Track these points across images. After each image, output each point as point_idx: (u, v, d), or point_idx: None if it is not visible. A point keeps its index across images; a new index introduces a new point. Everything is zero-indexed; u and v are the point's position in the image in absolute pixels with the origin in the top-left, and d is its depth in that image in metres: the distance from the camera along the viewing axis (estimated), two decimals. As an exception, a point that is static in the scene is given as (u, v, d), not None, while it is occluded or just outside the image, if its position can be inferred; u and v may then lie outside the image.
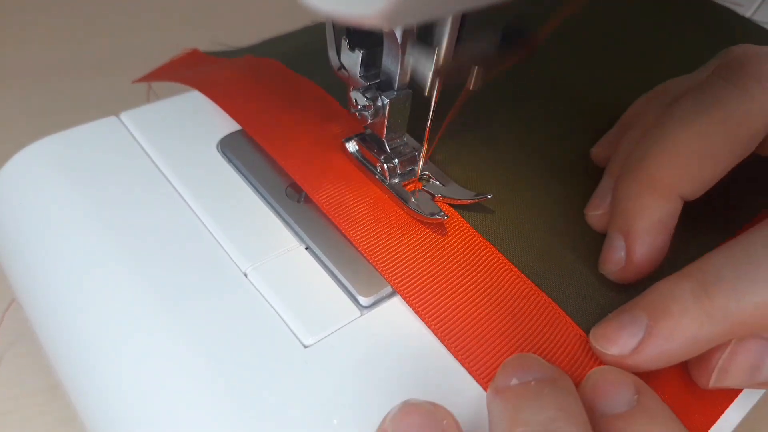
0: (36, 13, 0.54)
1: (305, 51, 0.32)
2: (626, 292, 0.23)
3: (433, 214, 0.24)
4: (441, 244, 0.24)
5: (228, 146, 0.27)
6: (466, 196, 0.25)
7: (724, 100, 0.22)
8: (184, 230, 0.23)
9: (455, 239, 0.24)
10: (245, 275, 0.22)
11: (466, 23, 0.21)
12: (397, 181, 0.25)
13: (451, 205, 0.25)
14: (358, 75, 0.24)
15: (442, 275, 0.22)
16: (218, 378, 0.19)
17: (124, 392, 0.20)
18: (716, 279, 0.19)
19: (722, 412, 0.21)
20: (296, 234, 0.24)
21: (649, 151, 0.23)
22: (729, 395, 0.22)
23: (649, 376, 0.20)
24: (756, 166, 0.25)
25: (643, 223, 0.23)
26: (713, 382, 0.21)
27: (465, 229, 0.24)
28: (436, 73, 0.21)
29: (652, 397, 0.19)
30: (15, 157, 0.26)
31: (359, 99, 0.24)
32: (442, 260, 0.23)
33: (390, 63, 0.23)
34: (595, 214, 0.26)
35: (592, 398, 0.19)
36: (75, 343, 0.22)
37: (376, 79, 0.24)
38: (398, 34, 0.22)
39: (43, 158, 0.26)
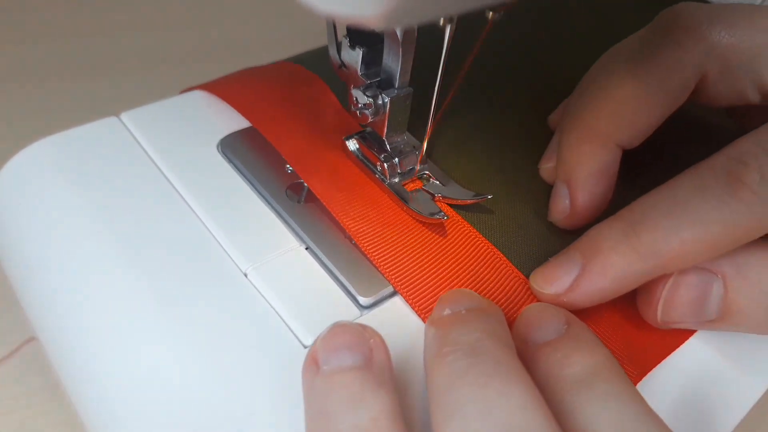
0: (36, 13, 0.54)
1: None
2: None
3: (433, 215, 0.24)
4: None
5: (228, 146, 0.27)
6: (466, 196, 0.25)
7: (656, 51, 0.23)
8: (184, 230, 0.23)
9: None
10: (245, 275, 0.22)
11: None
12: (397, 180, 0.25)
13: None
14: (359, 73, 0.24)
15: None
16: (218, 379, 0.19)
17: (124, 392, 0.20)
18: (644, 218, 0.20)
19: (669, 353, 0.22)
20: (296, 234, 0.24)
21: (587, 102, 0.24)
22: (678, 336, 0.23)
23: (599, 320, 0.22)
24: (708, 124, 0.27)
25: (582, 172, 0.24)
26: (660, 316, 0.22)
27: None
28: None
29: (580, 326, 0.20)
30: (15, 157, 0.26)
31: (360, 97, 0.24)
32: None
33: (391, 61, 0.23)
34: (547, 167, 0.27)
35: (524, 331, 0.20)
36: (75, 344, 0.22)
37: (376, 77, 0.24)
38: (398, 34, 0.22)
39: (43, 158, 0.26)
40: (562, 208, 0.25)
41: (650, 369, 0.21)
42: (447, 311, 0.20)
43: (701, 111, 0.26)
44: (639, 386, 0.21)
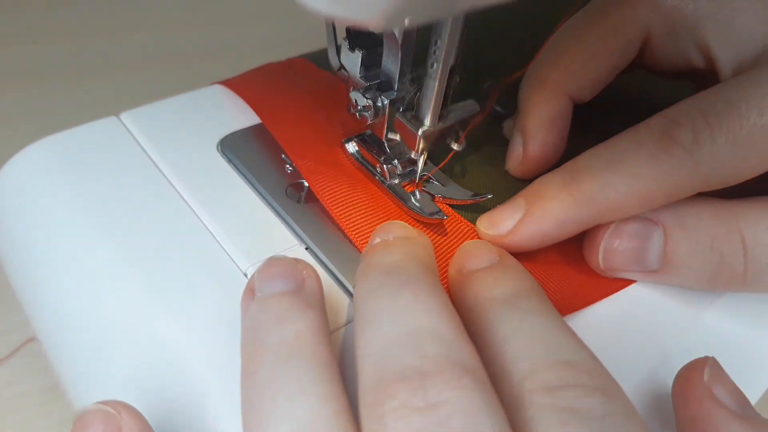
0: (36, 13, 0.54)
1: None
2: None
3: (432, 214, 0.24)
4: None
5: (228, 146, 0.27)
6: (466, 196, 0.25)
7: (606, 10, 0.25)
8: (184, 230, 0.23)
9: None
10: (245, 275, 0.22)
11: (450, 91, 0.23)
12: (397, 181, 0.25)
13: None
14: (358, 75, 0.24)
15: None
16: (230, 381, 0.19)
17: (124, 392, 0.20)
18: (585, 169, 0.22)
19: (598, 299, 0.23)
20: (296, 234, 0.24)
21: (542, 58, 0.26)
22: (616, 283, 0.24)
23: (535, 261, 0.23)
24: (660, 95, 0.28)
25: (534, 119, 0.25)
26: (602, 262, 0.23)
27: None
28: (424, 137, 0.24)
29: (512, 259, 0.21)
30: (15, 157, 0.26)
31: (359, 99, 0.24)
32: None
33: (390, 63, 0.23)
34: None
35: (460, 262, 0.21)
36: (75, 344, 0.22)
37: (376, 79, 0.24)
38: (397, 36, 0.22)
39: (43, 158, 0.26)
40: (515, 155, 0.26)
41: (577, 309, 0.23)
42: (377, 240, 0.21)
43: (656, 84, 0.28)
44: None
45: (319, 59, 0.32)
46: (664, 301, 0.24)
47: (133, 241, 0.23)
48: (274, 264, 0.19)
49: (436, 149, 0.25)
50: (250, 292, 0.19)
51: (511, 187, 0.27)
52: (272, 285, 0.19)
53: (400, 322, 0.17)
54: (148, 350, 0.20)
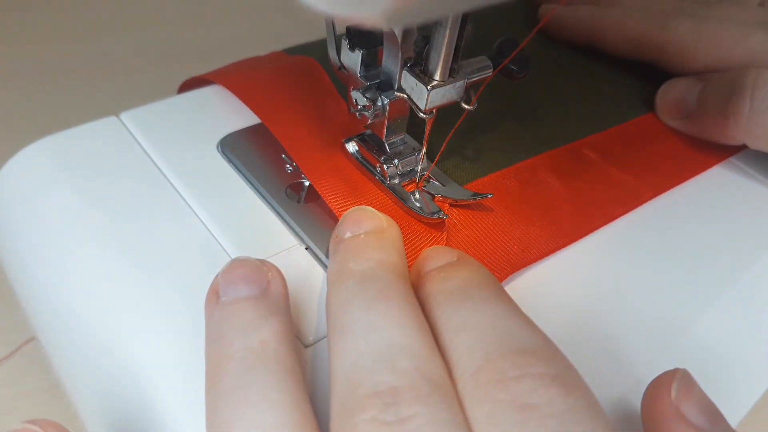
0: (36, 13, 0.54)
1: None
2: None
3: (433, 214, 0.24)
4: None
5: (228, 146, 0.27)
6: (466, 196, 0.25)
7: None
8: (184, 230, 0.23)
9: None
10: (245, 275, 0.22)
11: (462, 42, 0.22)
12: (397, 181, 0.25)
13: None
14: (358, 75, 0.24)
15: None
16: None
17: (125, 391, 0.20)
18: None
19: (527, 265, 0.24)
20: (296, 234, 0.24)
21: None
22: (536, 252, 0.24)
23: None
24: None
25: None
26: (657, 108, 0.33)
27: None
28: (433, 94, 0.22)
29: (469, 257, 0.21)
30: (15, 157, 0.26)
31: (359, 99, 0.24)
32: None
33: (390, 63, 0.23)
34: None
35: (419, 265, 0.21)
36: (75, 343, 0.22)
37: (376, 79, 0.24)
38: (398, 35, 0.22)
39: (43, 158, 0.26)
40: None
41: (511, 273, 0.23)
42: (348, 234, 0.21)
43: None
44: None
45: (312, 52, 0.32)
46: (649, 312, 0.24)
47: (133, 240, 0.23)
48: (238, 266, 0.19)
49: (443, 115, 0.24)
50: (214, 295, 0.19)
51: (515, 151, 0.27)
52: (236, 289, 0.18)
53: (372, 336, 0.17)
54: (147, 350, 0.20)
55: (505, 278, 0.23)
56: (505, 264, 0.24)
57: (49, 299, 0.23)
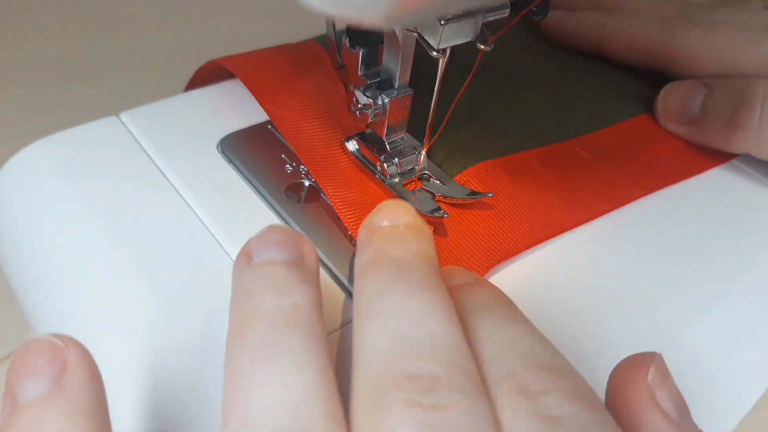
0: (36, 13, 0.54)
1: None
2: None
3: (433, 213, 0.24)
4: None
5: (228, 146, 0.27)
6: (466, 194, 0.25)
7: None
8: (184, 230, 0.23)
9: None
10: (245, 275, 0.22)
11: None
12: (397, 180, 0.25)
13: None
14: (359, 73, 0.24)
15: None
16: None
17: (125, 391, 0.20)
18: None
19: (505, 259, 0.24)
20: (296, 234, 0.24)
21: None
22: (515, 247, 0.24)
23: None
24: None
25: None
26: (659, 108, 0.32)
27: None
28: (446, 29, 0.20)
29: (485, 281, 0.21)
30: (15, 156, 0.26)
31: (360, 97, 0.24)
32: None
33: (390, 62, 0.23)
34: None
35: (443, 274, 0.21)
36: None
37: (376, 77, 0.24)
38: (398, 34, 0.22)
39: (43, 158, 0.26)
40: None
41: (494, 265, 0.23)
42: (386, 222, 0.20)
43: None
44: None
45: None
46: (639, 323, 0.23)
47: (133, 240, 0.23)
48: (275, 231, 0.19)
49: (455, 60, 0.22)
50: (245, 256, 0.19)
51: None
52: (270, 252, 0.18)
53: (413, 322, 0.17)
54: (147, 349, 0.20)
55: (488, 270, 0.23)
56: (489, 256, 0.24)
57: (49, 299, 0.23)
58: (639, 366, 0.18)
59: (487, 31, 0.22)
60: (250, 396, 0.15)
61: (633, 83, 0.34)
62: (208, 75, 0.31)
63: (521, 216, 0.25)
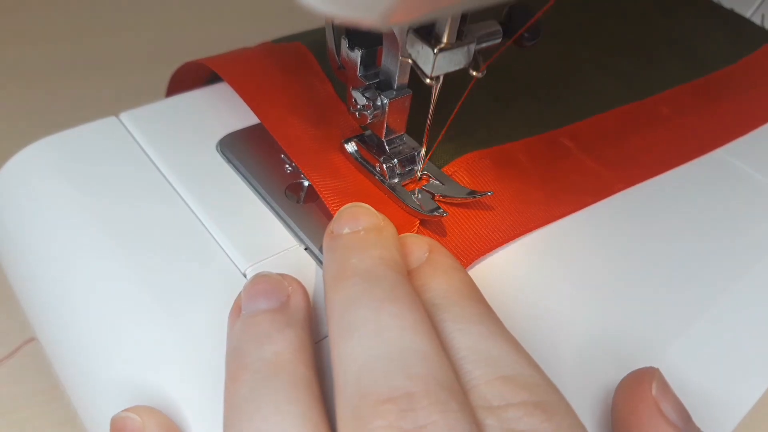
0: (36, 12, 0.54)
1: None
2: None
3: (432, 212, 0.24)
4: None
5: (228, 146, 0.27)
6: (465, 194, 0.25)
7: None
8: (184, 230, 0.23)
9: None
10: (244, 275, 0.22)
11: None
12: (396, 180, 0.25)
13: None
14: (358, 74, 0.24)
15: None
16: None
17: (123, 392, 0.20)
18: None
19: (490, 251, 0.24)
20: (296, 234, 0.24)
21: None
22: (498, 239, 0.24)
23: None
24: None
25: None
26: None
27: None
28: (439, 60, 0.21)
29: (440, 252, 0.21)
30: (15, 157, 0.26)
31: (359, 98, 0.24)
32: None
33: (389, 63, 0.23)
34: None
35: None
36: (74, 344, 0.22)
37: (375, 78, 0.24)
38: (397, 34, 0.22)
39: (43, 158, 0.26)
40: None
41: (477, 258, 0.24)
42: (346, 230, 0.20)
43: None
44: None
45: (314, 45, 0.32)
46: (628, 334, 0.23)
47: (132, 241, 0.23)
48: (260, 281, 0.19)
49: (450, 82, 0.23)
50: (236, 309, 0.19)
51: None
52: (256, 303, 0.19)
53: (383, 339, 0.17)
54: (146, 350, 0.20)
55: (470, 263, 0.23)
56: (471, 248, 0.24)
57: (49, 299, 0.23)
58: (642, 380, 0.19)
59: (479, 57, 0.22)
60: None
61: (623, 70, 0.34)
62: (191, 75, 0.31)
63: (504, 208, 0.25)
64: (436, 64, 0.21)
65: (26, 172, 0.26)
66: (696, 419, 0.19)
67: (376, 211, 0.21)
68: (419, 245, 0.21)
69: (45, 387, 0.29)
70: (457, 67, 0.22)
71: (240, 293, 0.20)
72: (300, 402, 0.17)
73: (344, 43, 0.24)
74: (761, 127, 0.33)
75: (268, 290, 0.19)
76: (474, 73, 0.22)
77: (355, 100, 0.24)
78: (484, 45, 0.22)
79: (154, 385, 0.20)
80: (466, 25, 0.21)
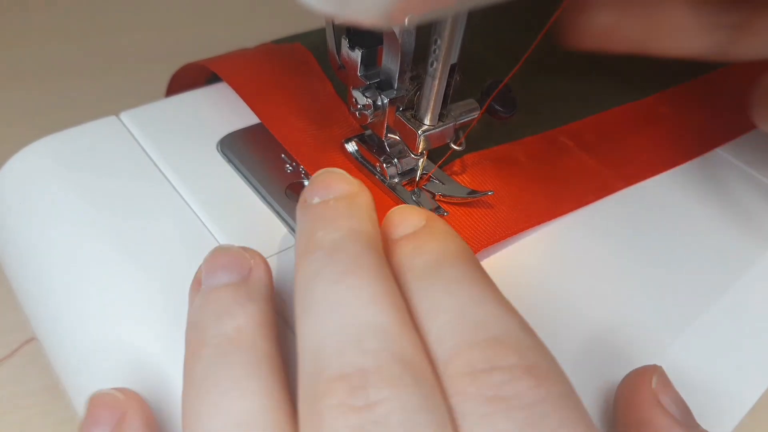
0: (36, 13, 0.54)
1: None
2: None
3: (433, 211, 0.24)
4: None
5: (228, 146, 0.27)
6: (466, 194, 0.25)
7: None
8: (184, 230, 0.23)
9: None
10: (245, 275, 0.22)
11: (450, 90, 0.23)
12: (396, 180, 0.25)
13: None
14: (358, 74, 0.24)
15: None
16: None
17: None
18: None
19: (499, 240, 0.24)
20: (295, 234, 0.24)
21: None
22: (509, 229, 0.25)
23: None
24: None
25: None
26: None
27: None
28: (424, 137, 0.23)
29: (438, 221, 0.20)
30: (15, 156, 0.26)
31: (359, 98, 0.24)
32: None
33: (390, 62, 0.23)
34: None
35: (386, 229, 0.20)
36: (74, 344, 0.22)
37: (376, 78, 0.24)
38: (398, 34, 0.22)
39: (43, 158, 0.26)
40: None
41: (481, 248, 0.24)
42: (316, 200, 0.19)
43: None
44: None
45: (316, 44, 0.32)
46: (628, 333, 0.23)
47: (132, 240, 0.23)
48: (220, 255, 0.19)
49: (436, 149, 0.25)
50: (197, 283, 0.19)
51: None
52: (216, 277, 0.18)
53: (339, 314, 0.16)
54: (147, 350, 0.20)
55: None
56: (471, 242, 0.24)
57: (49, 299, 0.23)
58: (643, 375, 0.20)
59: (459, 131, 0.24)
60: (199, 428, 0.16)
61: (621, 69, 0.34)
62: (191, 76, 0.31)
63: (504, 207, 0.25)
64: (420, 143, 0.23)
65: (26, 172, 0.26)
66: (698, 418, 0.19)
67: (350, 177, 0.20)
68: (417, 213, 0.20)
69: (45, 387, 0.29)
70: (440, 144, 0.24)
71: (200, 266, 0.19)
72: (261, 378, 0.16)
73: (344, 43, 0.24)
74: None
75: (229, 263, 0.18)
76: (454, 147, 0.24)
77: (356, 100, 0.24)
78: (463, 120, 0.24)
79: (155, 386, 0.20)
80: (447, 107, 0.24)
